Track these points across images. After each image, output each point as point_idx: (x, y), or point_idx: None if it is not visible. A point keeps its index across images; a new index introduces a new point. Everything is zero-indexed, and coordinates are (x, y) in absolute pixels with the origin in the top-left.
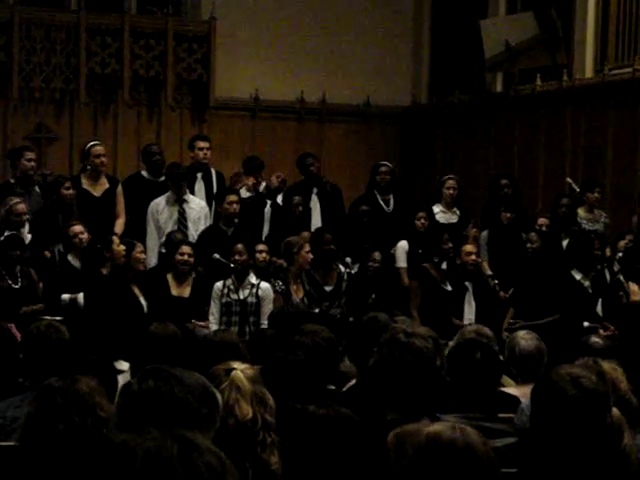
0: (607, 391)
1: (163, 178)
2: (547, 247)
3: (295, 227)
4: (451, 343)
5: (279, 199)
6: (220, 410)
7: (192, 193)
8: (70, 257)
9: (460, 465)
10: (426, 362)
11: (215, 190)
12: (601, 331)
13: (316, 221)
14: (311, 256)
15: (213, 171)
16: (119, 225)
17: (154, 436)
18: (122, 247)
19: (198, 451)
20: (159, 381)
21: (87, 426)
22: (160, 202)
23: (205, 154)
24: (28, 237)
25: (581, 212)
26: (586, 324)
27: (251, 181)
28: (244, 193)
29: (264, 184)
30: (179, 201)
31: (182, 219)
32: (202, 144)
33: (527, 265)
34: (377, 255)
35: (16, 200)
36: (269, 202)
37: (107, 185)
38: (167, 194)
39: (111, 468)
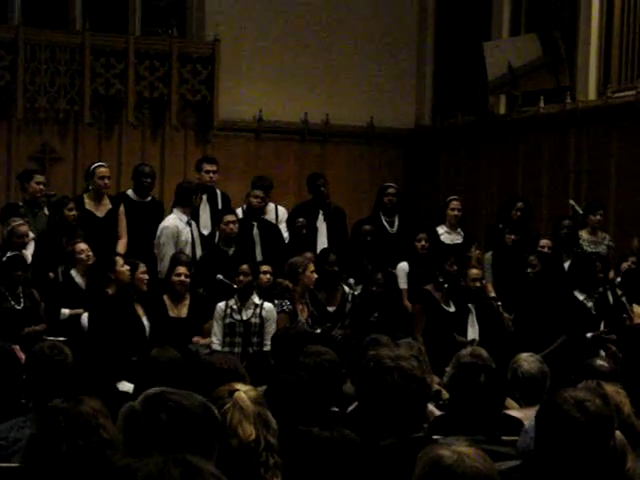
0: (611, 414)
1: (149, 199)
2: (548, 269)
3: (299, 248)
4: (448, 368)
5: (271, 218)
6: (220, 433)
7: (197, 214)
8: (73, 273)
9: None
10: (418, 383)
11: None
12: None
13: (322, 241)
14: (316, 276)
15: (219, 192)
16: (122, 245)
17: (156, 460)
18: (126, 267)
19: (200, 475)
20: (159, 405)
21: (91, 448)
22: (177, 224)
23: (211, 177)
24: (30, 258)
25: (584, 234)
26: (589, 335)
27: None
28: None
29: (244, 206)
30: (189, 223)
31: (192, 240)
32: (209, 167)
33: (529, 288)
34: (380, 277)
35: (19, 222)
36: (255, 224)
37: (110, 206)
38: (175, 216)
39: None
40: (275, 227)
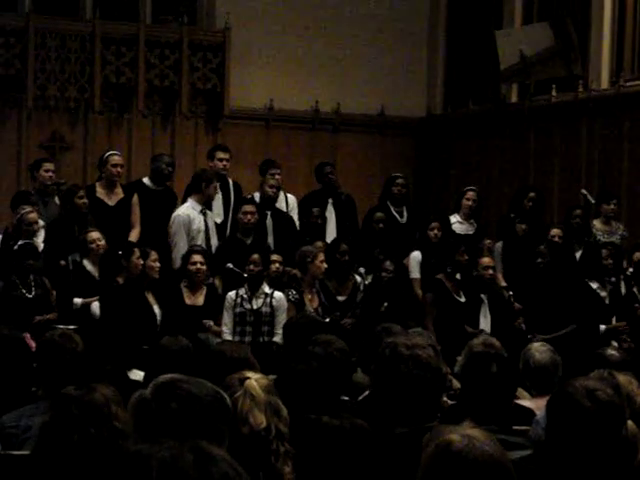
0: (623, 404)
1: (163, 187)
2: (559, 258)
3: (311, 237)
4: (459, 358)
5: (281, 206)
6: (231, 421)
7: (210, 203)
8: (86, 262)
9: (470, 475)
10: (433, 373)
11: (232, 200)
12: (615, 344)
13: (331, 230)
14: (325, 266)
15: (230, 181)
16: (134, 235)
17: (169, 446)
18: (140, 261)
19: (213, 461)
20: (170, 393)
21: (102, 437)
22: (189, 212)
23: (224, 165)
24: (41, 246)
25: (597, 224)
26: (603, 327)
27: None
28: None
29: (258, 194)
30: (203, 212)
31: (207, 230)
32: (222, 155)
33: (539, 278)
34: (389, 264)
35: (28, 209)
36: (269, 213)
37: (122, 195)
38: (191, 204)
39: (126, 478)
40: (288, 217)
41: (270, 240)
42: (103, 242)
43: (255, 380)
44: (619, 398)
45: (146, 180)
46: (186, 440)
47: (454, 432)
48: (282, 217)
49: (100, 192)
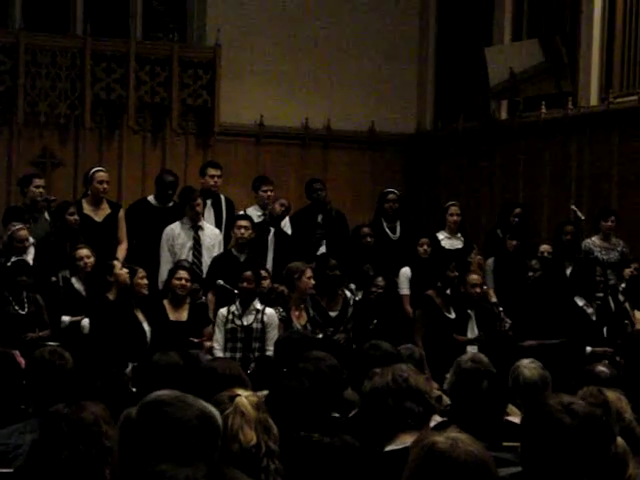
0: (599, 413)
1: (171, 204)
2: (549, 274)
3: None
4: (449, 374)
5: (284, 225)
6: (220, 442)
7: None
8: (74, 280)
9: (454, 475)
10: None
11: (225, 216)
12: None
13: (321, 247)
14: (313, 282)
15: (222, 197)
16: (122, 250)
17: (190, 470)
18: (125, 270)
19: None
20: (153, 414)
21: (91, 455)
22: (175, 228)
23: (215, 182)
24: (31, 263)
25: (596, 240)
26: (589, 349)
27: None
28: (254, 215)
29: (251, 209)
30: (194, 227)
31: (197, 245)
32: (213, 171)
33: (529, 292)
34: (380, 281)
35: (19, 226)
36: (272, 229)
37: (108, 210)
38: (182, 220)
39: None
40: (290, 237)
41: (270, 257)
42: (92, 259)
43: (245, 397)
44: (594, 408)
45: (151, 198)
46: (208, 463)
47: (439, 435)
48: (284, 236)
49: (87, 208)
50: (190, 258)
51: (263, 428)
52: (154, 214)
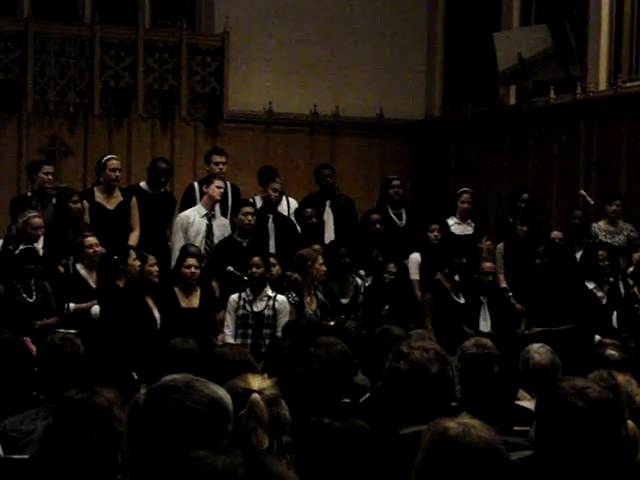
0: (611, 398)
1: (162, 190)
2: (560, 259)
3: (308, 239)
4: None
5: (283, 210)
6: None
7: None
8: (79, 267)
9: (466, 461)
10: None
11: (230, 203)
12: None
13: (329, 233)
14: (324, 268)
15: (228, 184)
16: (134, 238)
17: (228, 457)
18: (137, 262)
19: (267, 476)
20: (160, 400)
21: (105, 441)
22: (190, 215)
23: (221, 168)
24: (41, 251)
25: (601, 224)
26: (597, 338)
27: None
28: (259, 203)
29: (259, 197)
30: (208, 216)
31: (209, 234)
32: (218, 158)
33: (538, 278)
34: (392, 267)
35: (33, 214)
36: (270, 216)
37: (121, 198)
38: (196, 208)
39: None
40: (290, 221)
41: (272, 243)
42: (100, 247)
43: (260, 392)
44: (607, 392)
45: (143, 184)
46: (243, 450)
47: (451, 421)
48: (284, 221)
49: (99, 196)
50: (202, 246)
51: (277, 424)
52: (145, 200)
